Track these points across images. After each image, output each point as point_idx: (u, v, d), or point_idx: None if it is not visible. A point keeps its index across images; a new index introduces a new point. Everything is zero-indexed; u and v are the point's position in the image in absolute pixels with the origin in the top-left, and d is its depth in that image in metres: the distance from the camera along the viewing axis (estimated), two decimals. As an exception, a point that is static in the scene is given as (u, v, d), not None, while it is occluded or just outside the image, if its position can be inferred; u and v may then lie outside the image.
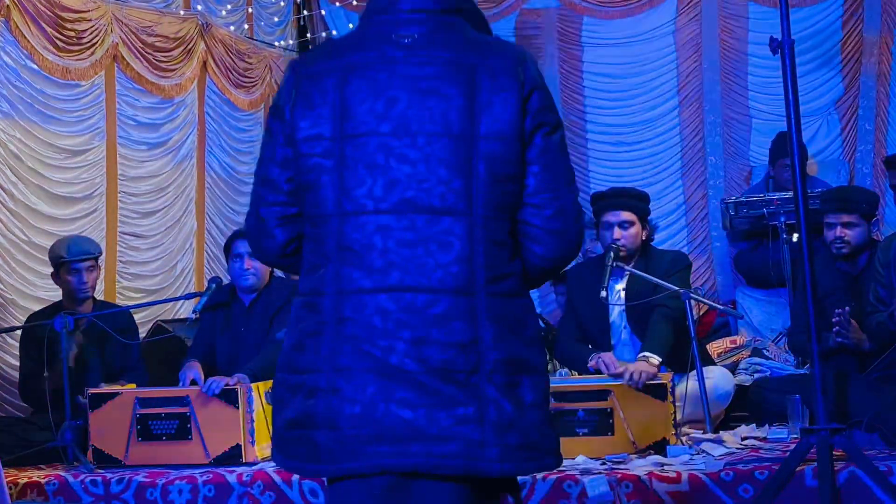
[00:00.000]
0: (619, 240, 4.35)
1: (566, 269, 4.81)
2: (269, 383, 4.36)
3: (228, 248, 4.80)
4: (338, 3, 8.06)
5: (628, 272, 4.39)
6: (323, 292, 1.94)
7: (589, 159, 7.68)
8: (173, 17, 6.67)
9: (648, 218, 4.53)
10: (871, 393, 3.95)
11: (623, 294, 4.45)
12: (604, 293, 4.22)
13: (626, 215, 4.39)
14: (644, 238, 4.49)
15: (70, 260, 4.77)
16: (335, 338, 1.91)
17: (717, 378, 4.36)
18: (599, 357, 4.16)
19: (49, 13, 5.70)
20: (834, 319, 4.07)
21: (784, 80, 3.20)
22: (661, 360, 4.08)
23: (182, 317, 6.25)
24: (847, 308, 4.12)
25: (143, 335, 5.59)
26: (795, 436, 3.76)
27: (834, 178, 6.77)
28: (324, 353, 1.91)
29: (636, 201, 4.45)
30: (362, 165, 1.93)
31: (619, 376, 3.95)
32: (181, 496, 3.84)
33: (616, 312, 4.46)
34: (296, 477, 3.74)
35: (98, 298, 5.18)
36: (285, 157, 2.01)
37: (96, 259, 4.89)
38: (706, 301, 4.48)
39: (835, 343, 4.12)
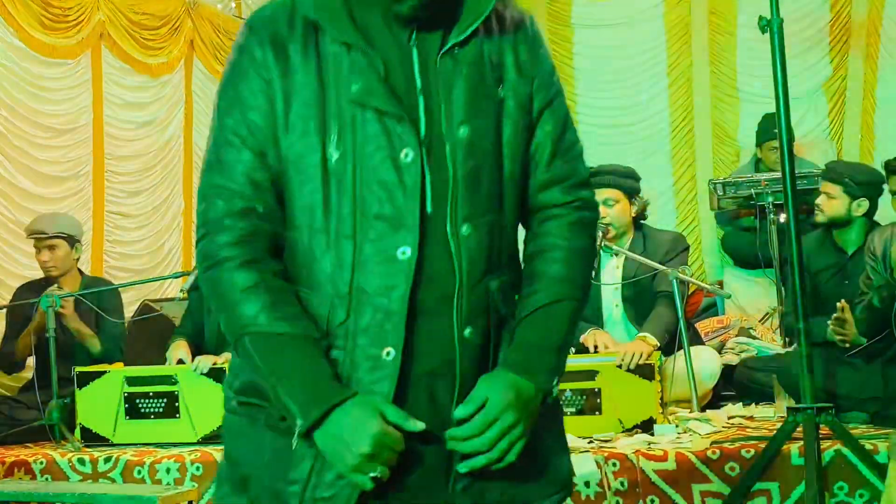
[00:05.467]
0: (604, 218, 4.36)
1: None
2: (257, 362, 4.35)
3: (213, 230, 4.78)
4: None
5: (623, 254, 4.40)
6: None
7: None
8: (160, -5, 6.64)
9: (639, 194, 4.52)
10: (856, 373, 3.96)
11: (619, 272, 4.46)
12: (591, 273, 4.22)
13: (610, 193, 4.40)
14: (634, 214, 4.48)
15: (28, 237, 4.84)
16: None
17: (704, 358, 4.37)
18: (595, 335, 4.15)
19: (35, -10, 5.67)
20: (834, 316, 3.99)
21: (773, 59, 3.20)
22: (658, 344, 4.08)
23: (169, 296, 6.24)
24: (845, 302, 4.05)
25: (131, 314, 5.58)
26: (782, 414, 3.77)
27: (821, 159, 6.79)
28: None
29: (619, 178, 4.45)
30: None
31: (612, 355, 3.97)
32: (169, 474, 3.83)
33: (608, 290, 4.47)
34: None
35: (88, 274, 5.19)
36: None
37: (64, 238, 4.84)
38: (694, 281, 4.48)
39: (832, 338, 4.03)
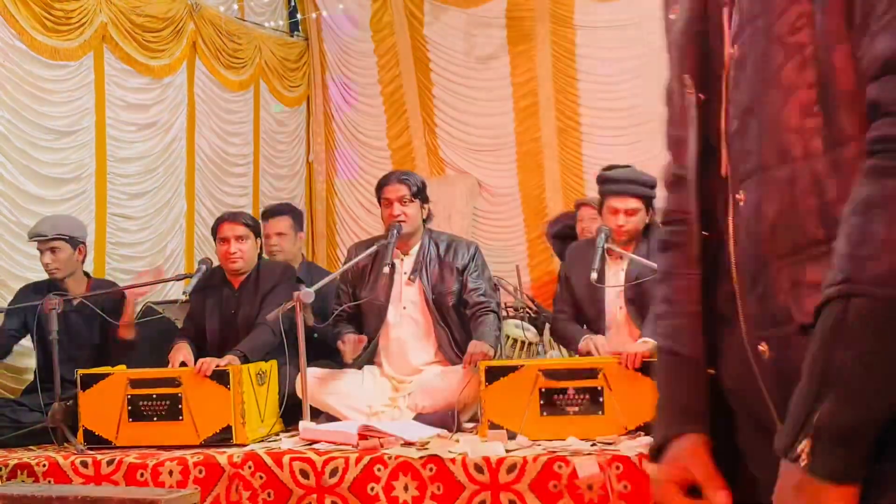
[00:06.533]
0: (623, 226, 4.35)
1: (567, 246, 4.83)
2: (260, 364, 4.35)
3: (215, 232, 4.78)
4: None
5: (627, 257, 4.38)
6: None
7: (582, 142, 7.67)
8: (163, -3, 6.64)
9: (654, 202, 4.50)
10: None
11: (622, 275, 4.45)
12: (594, 275, 4.22)
13: (634, 202, 4.36)
14: (648, 222, 4.47)
15: (30, 240, 4.85)
16: None
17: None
18: (591, 340, 4.18)
19: (37, -7, 5.67)
20: None
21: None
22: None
23: (172, 298, 6.24)
24: None
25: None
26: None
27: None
28: None
29: (646, 188, 4.41)
30: None
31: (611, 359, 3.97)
32: (172, 477, 3.83)
33: (613, 293, 4.46)
34: (286, 458, 3.74)
35: (93, 276, 5.19)
36: None
37: (66, 240, 4.82)
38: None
39: None
